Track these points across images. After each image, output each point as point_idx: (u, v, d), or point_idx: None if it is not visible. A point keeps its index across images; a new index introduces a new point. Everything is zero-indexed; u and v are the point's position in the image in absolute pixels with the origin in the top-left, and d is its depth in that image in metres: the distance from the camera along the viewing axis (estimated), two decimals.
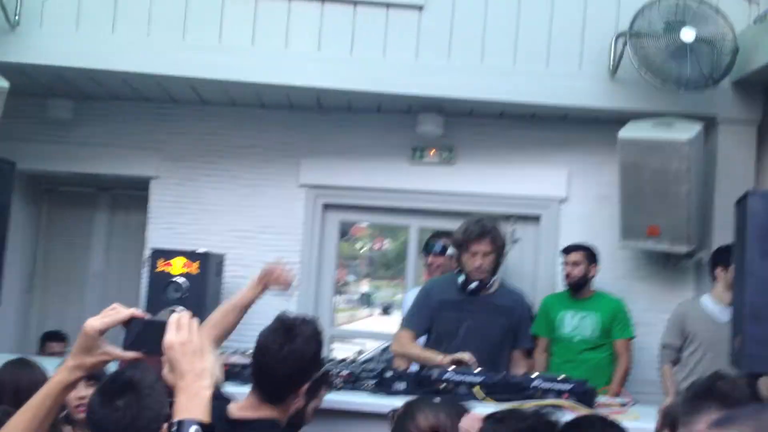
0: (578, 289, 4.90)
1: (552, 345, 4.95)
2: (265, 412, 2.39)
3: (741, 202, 3.89)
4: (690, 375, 4.48)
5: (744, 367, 3.64)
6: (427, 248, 5.03)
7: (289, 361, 2.35)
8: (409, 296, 5.12)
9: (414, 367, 4.01)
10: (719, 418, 1.54)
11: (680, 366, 4.63)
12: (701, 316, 4.60)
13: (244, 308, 2.98)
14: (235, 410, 2.43)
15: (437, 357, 3.82)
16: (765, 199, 3.76)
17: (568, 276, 4.91)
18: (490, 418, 2.40)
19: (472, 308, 4.02)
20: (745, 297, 3.64)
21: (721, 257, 4.53)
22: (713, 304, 4.60)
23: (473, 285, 4.02)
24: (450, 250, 4.86)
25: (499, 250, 4.02)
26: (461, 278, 4.07)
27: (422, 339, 4.19)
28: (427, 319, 4.09)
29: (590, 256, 4.89)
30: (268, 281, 3.08)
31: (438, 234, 5.13)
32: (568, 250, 4.94)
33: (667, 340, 4.70)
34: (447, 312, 4.06)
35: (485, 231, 3.97)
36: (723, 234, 4.60)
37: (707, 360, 4.42)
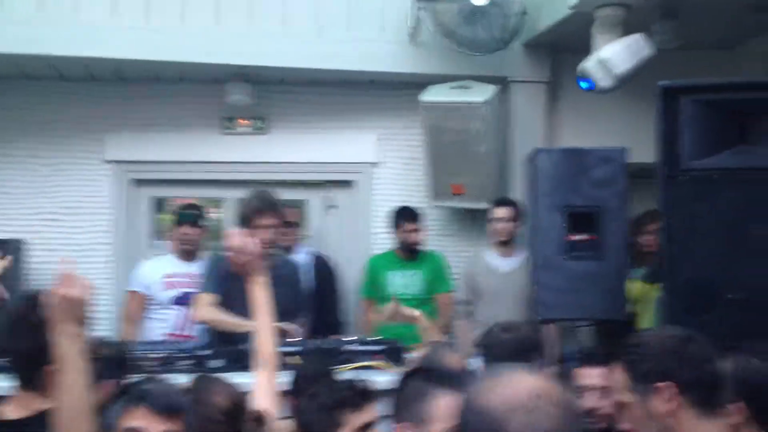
0: (416, 253, 5.04)
1: (380, 304, 5.08)
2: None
3: (531, 159, 4.16)
4: (483, 325, 4.74)
5: (540, 314, 3.92)
6: (180, 219, 4.80)
7: (22, 340, 2.25)
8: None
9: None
10: None
11: (474, 319, 4.75)
12: (486, 268, 4.83)
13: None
14: (8, 411, 2.30)
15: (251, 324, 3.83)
16: (551, 156, 4.03)
17: (414, 243, 5.00)
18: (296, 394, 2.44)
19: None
20: (537, 247, 3.91)
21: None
22: (495, 257, 4.87)
23: None
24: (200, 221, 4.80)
25: (280, 224, 4.06)
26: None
27: None
28: (219, 287, 4.03)
29: (421, 220, 5.05)
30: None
31: (190, 205, 5.00)
32: (412, 218, 5.01)
33: (459, 296, 4.92)
34: (233, 285, 4.05)
35: (268, 204, 4.00)
36: (520, 189, 4.90)
37: (494, 310, 4.54)
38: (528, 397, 1.22)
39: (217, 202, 10.46)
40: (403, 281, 5.06)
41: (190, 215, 4.83)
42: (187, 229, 4.75)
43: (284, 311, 3.89)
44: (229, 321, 3.95)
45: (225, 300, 4.04)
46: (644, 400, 1.90)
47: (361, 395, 2.35)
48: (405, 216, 5.03)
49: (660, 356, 1.91)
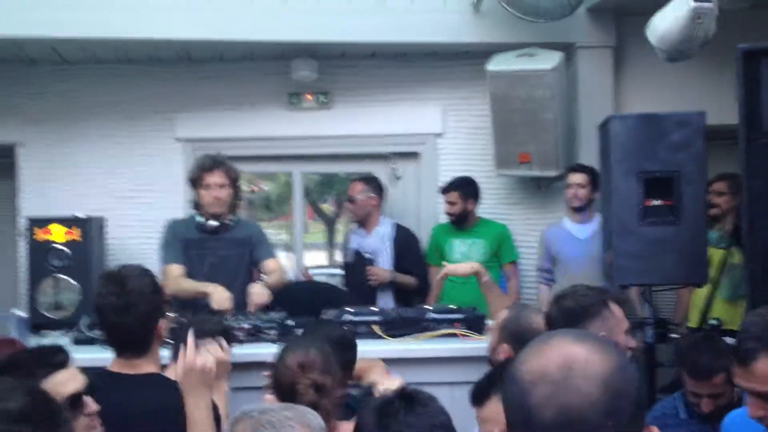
0: (460, 223, 5.11)
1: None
2: (144, 369, 2.42)
3: (603, 126, 4.16)
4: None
5: (616, 279, 3.95)
6: None
7: (131, 305, 2.36)
8: None
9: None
10: None
11: (556, 285, 4.80)
12: (564, 235, 4.87)
13: None
14: (115, 366, 2.46)
15: (209, 287, 3.89)
16: (625, 122, 4.03)
17: (448, 213, 5.11)
18: None
19: (213, 245, 4.11)
20: (612, 214, 3.93)
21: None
22: (572, 223, 4.90)
23: (210, 224, 4.10)
24: None
25: (233, 184, 4.11)
26: (199, 218, 4.15)
27: None
28: (181, 253, 4.11)
29: (465, 192, 5.07)
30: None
31: None
32: (444, 191, 5.11)
33: (539, 264, 5.01)
34: (190, 251, 4.12)
35: (217, 162, 4.07)
36: (587, 156, 4.91)
37: (571, 275, 4.61)
38: (558, 367, 1.09)
39: (268, 176, 10.51)
40: (462, 249, 5.13)
41: None
42: None
43: (240, 273, 4.11)
44: (195, 288, 3.97)
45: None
46: None
47: None
48: (443, 189, 5.13)
49: None
